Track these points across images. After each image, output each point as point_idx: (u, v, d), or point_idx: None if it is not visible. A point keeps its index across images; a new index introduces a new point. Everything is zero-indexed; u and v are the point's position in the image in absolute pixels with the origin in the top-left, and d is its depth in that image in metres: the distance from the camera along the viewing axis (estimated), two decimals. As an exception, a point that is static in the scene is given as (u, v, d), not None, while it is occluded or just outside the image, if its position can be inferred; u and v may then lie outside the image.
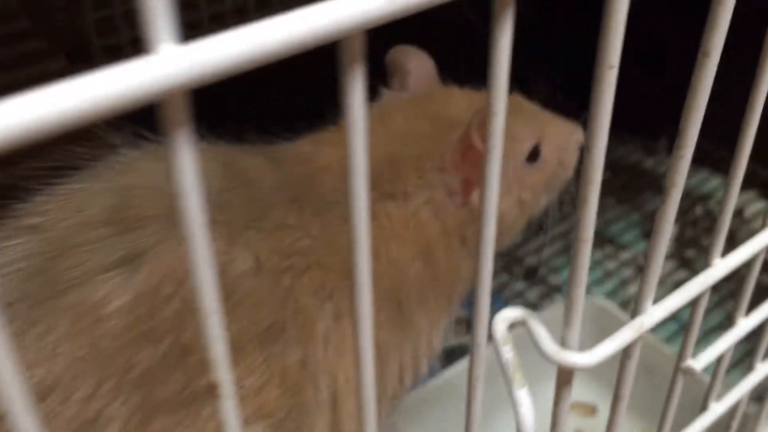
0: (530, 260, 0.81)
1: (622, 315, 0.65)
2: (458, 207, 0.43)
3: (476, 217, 0.38)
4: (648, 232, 0.84)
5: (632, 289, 0.78)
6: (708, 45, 0.21)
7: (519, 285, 0.78)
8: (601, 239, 0.83)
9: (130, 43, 0.76)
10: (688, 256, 0.80)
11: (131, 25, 0.75)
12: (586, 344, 0.24)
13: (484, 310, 0.23)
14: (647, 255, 0.26)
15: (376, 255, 0.35)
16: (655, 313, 0.26)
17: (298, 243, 0.37)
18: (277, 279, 0.35)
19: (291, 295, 0.35)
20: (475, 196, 0.42)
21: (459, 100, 0.46)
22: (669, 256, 0.80)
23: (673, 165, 0.23)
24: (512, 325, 0.26)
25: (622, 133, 0.95)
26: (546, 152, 0.46)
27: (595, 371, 0.35)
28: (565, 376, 0.25)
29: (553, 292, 0.77)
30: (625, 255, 0.81)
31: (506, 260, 0.80)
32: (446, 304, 0.44)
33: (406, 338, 0.42)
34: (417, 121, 0.44)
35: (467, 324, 0.72)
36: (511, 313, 0.25)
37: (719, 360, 0.34)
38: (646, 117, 0.89)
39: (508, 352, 0.24)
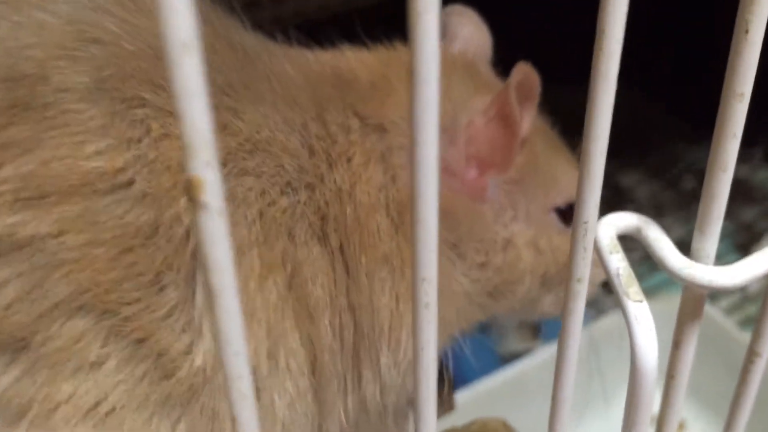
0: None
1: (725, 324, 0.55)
2: (458, 193, 0.33)
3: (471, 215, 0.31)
4: (741, 244, 0.76)
5: (722, 303, 0.70)
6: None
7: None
8: (688, 250, 0.75)
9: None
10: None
11: None
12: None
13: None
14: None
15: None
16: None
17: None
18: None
19: None
20: (491, 186, 0.33)
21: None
22: None
23: None
24: (623, 237, 0.20)
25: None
26: None
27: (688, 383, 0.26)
28: (692, 303, 0.18)
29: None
30: (715, 266, 0.73)
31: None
32: None
33: None
34: None
35: (536, 328, 0.65)
36: (620, 220, 0.19)
37: None
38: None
39: (618, 261, 0.18)
